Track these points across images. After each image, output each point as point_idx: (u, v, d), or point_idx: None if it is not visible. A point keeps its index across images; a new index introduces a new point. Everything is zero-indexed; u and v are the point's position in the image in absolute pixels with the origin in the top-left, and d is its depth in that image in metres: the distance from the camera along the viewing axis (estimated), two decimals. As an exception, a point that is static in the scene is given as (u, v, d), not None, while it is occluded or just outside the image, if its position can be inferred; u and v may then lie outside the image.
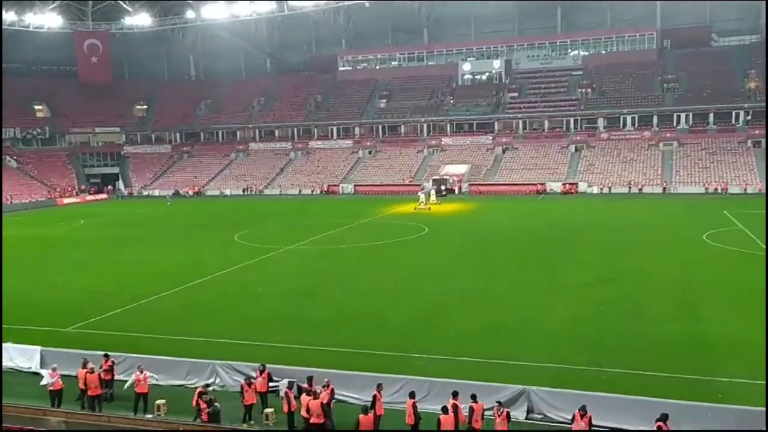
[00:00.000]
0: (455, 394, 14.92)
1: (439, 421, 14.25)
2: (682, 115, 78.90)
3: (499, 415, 14.26)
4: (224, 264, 35.04)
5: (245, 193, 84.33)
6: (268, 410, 16.18)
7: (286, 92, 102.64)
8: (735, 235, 40.79)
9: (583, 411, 14.07)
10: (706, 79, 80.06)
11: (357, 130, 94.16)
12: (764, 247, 35.55)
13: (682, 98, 79.86)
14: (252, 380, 16.45)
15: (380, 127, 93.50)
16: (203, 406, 15.29)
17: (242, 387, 16.17)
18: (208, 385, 17.50)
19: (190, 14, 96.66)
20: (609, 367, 18.73)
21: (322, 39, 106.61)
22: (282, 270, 34.28)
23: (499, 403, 14.65)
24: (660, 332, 21.98)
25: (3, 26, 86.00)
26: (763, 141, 72.37)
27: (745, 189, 65.88)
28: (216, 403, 15.42)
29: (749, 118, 76.06)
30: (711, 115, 77.67)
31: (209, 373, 18.40)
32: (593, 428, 14.22)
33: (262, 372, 16.86)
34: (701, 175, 70.11)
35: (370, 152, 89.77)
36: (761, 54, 78.71)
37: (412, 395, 15.16)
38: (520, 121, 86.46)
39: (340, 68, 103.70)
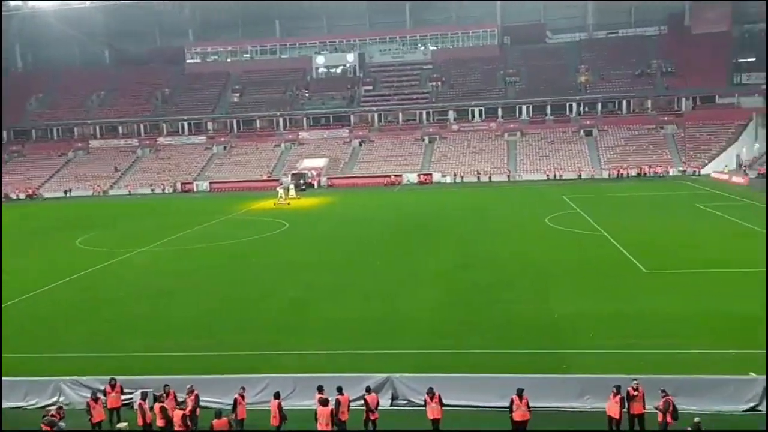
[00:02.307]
0: (320, 389, 14.75)
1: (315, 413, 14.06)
2: (524, 107, 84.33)
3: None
4: (64, 272, 32.22)
5: (93, 194, 78.40)
6: (121, 425, 15.05)
7: (129, 85, 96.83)
8: (573, 217, 44.17)
9: (431, 393, 14.45)
10: (543, 74, 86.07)
11: (210, 125, 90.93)
12: (598, 228, 38.89)
13: (522, 91, 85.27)
14: (99, 395, 15.18)
15: (234, 121, 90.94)
16: (45, 428, 13.87)
17: (88, 404, 14.84)
18: (58, 406, 15.89)
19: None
20: (469, 348, 19.48)
21: (166, 29, 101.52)
22: (133, 274, 32.17)
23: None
24: (514, 312, 23.24)
25: None
26: (594, 130, 79.11)
27: (580, 175, 71.67)
28: (61, 423, 14.04)
29: (582, 109, 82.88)
30: (548, 107, 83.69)
31: (52, 391, 16.78)
32: (444, 407, 14.64)
33: (113, 386, 15.61)
34: (542, 163, 75.32)
35: (224, 148, 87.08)
36: (590, 50, 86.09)
37: (276, 395, 14.77)
38: (376, 114, 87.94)
39: (188, 61, 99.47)
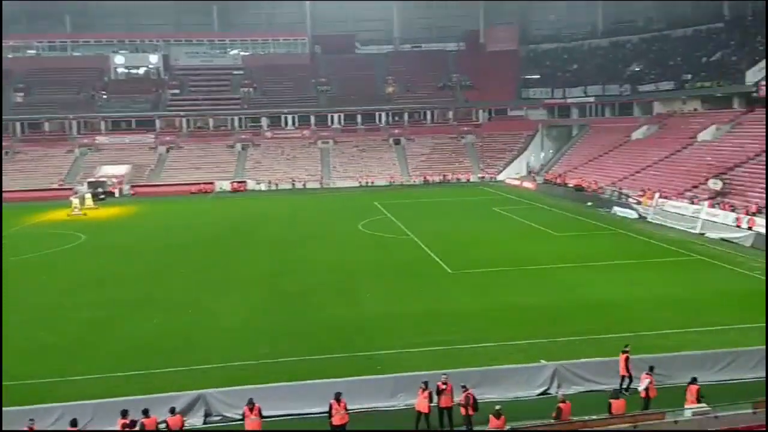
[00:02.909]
0: (124, 413, 13.58)
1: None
2: (335, 116, 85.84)
3: None
4: None
5: None
6: None
7: None
8: (385, 223, 45.73)
9: (251, 405, 14.06)
10: (354, 83, 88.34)
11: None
12: (408, 232, 40.67)
13: (334, 100, 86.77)
14: None
15: (18, 124, 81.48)
16: None
17: None
18: None
19: None
20: (285, 356, 19.18)
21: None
22: None
23: None
24: (328, 317, 23.40)
25: None
26: (402, 139, 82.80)
27: (390, 181, 74.56)
28: None
29: (390, 118, 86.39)
30: (359, 116, 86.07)
31: None
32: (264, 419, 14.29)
33: None
34: (354, 170, 77.19)
35: (6, 153, 77.63)
36: (397, 62, 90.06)
37: (73, 423, 13.34)
38: (184, 120, 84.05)
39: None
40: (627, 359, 16.48)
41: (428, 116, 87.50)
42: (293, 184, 73.39)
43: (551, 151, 78.90)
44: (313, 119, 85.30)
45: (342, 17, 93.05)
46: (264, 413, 14.30)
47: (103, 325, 23.12)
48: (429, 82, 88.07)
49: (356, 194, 66.03)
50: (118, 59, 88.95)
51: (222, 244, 38.78)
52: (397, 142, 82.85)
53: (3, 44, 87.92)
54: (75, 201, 55.58)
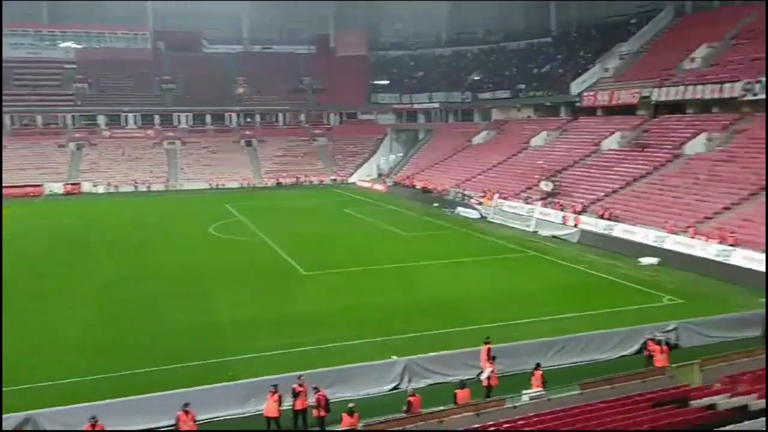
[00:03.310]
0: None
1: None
2: (182, 116, 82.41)
3: None
4: None
5: None
6: None
7: None
8: (237, 225, 44.72)
9: (93, 422, 13.24)
10: (202, 83, 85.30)
11: None
12: (261, 234, 40.10)
13: (181, 99, 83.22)
14: None
15: None
16: None
17: None
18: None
19: None
20: (131, 368, 18.15)
21: None
22: None
23: None
24: (177, 324, 22.47)
25: None
26: (254, 141, 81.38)
27: (242, 183, 72.98)
28: None
29: (241, 120, 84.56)
30: (208, 117, 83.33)
31: None
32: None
33: None
34: (204, 172, 74.61)
35: None
36: (247, 62, 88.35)
37: None
38: (8, 117, 76.39)
39: None
40: (489, 350, 17.56)
41: (280, 118, 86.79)
42: (136, 186, 69.44)
43: (400, 154, 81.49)
44: (157, 119, 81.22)
45: (187, 13, 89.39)
46: (107, 430, 13.49)
47: None
48: (280, 84, 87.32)
49: (206, 197, 63.89)
50: (-75, 47, 78.84)
51: (58, 251, 35.83)
52: (248, 144, 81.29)
53: None
54: None
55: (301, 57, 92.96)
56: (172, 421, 14.00)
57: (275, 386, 14.89)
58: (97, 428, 13.18)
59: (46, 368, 18.38)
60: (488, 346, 17.57)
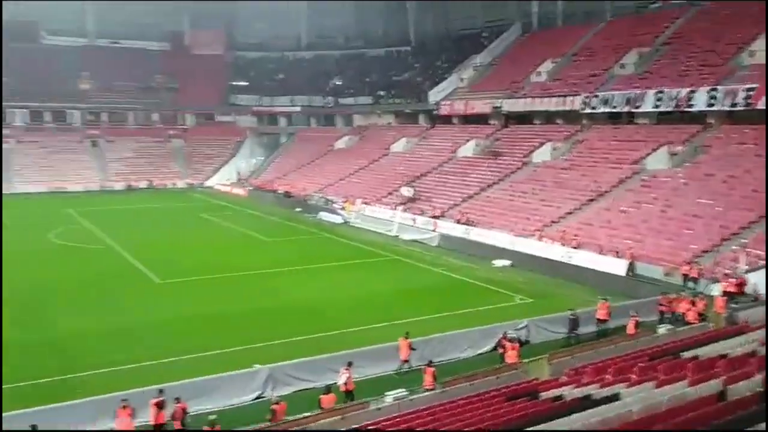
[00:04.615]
0: None
1: None
2: (17, 112, 75.26)
3: None
4: None
5: None
6: None
7: None
8: (81, 232, 41.54)
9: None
10: (40, 76, 78.44)
11: None
12: (109, 241, 37.51)
13: (14, 94, 75.88)
14: None
15: None
16: None
17: None
18: None
19: None
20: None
21: None
22: None
23: None
24: (15, 339, 20.35)
25: None
26: (101, 141, 76.12)
27: (87, 187, 67.92)
28: None
29: (86, 118, 78.71)
30: (48, 114, 76.78)
31: None
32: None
33: None
34: (43, 174, 68.59)
35: None
36: (93, 56, 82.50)
37: None
38: None
39: None
40: (410, 345, 17.91)
41: (130, 117, 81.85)
42: (-40, 190, 62.28)
43: (261, 158, 79.98)
44: (-12, 115, 73.53)
45: (23, 2, 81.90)
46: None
47: None
48: (130, 81, 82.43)
49: (45, 200, 58.70)
50: None
51: None
52: (94, 144, 75.83)
53: None
54: None
55: (154, 54, 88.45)
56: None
57: (126, 400, 13.98)
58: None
59: None
60: (408, 340, 18.22)
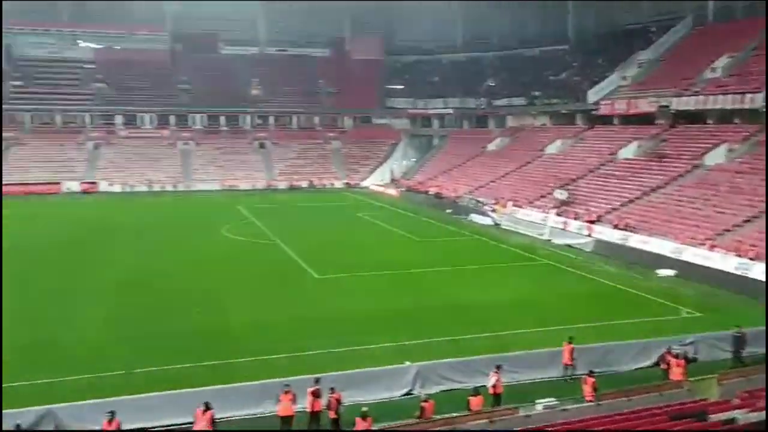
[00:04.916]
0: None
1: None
2: (197, 117, 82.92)
3: None
4: None
5: None
6: None
7: None
8: (249, 227, 44.82)
9: (111, 416, 13.36)
10: (217, 84, 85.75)
11: None
12: (273, 237, 40.17)
13: (196, 100, 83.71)
14: None
15: None
16: None
17: None
18: None
19: None
20: (143, 366, 18.19)
21: None
22: None
23: None
24: (190, 324, 22.52)
25: None
26: (267, 143, 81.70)
27: (254, 185, 73.20)
28: None
29: (255, 122, 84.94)
30: (223, 118, 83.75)
31: None
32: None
33: None
34: (217, 173, 74.94)
35: None
36: (262, 65, 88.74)
37: None
38: (28, 114, 77.26)
39: None
40: (572, 350, 17.69)
41: (294, 121, 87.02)
42: (150, 186, 69.84)
43: (413, 159, 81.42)
44: (173, 119, 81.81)
45: (204, 15, 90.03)
46: (125, 427, 13.70)
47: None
48: (295, 87, 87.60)
49: (219, 198, 64.13)
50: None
51: (78, 249, 36.03)
52: (262, 146, 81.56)
53: None
54: None
55: (317, 60, 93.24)
56: (191, 419, 14.07)
57: (288, 386, 14.92)
58: (113, 424, 13.25)
59: (54, 365, 18.47)
60: (571, 345, 17.94)
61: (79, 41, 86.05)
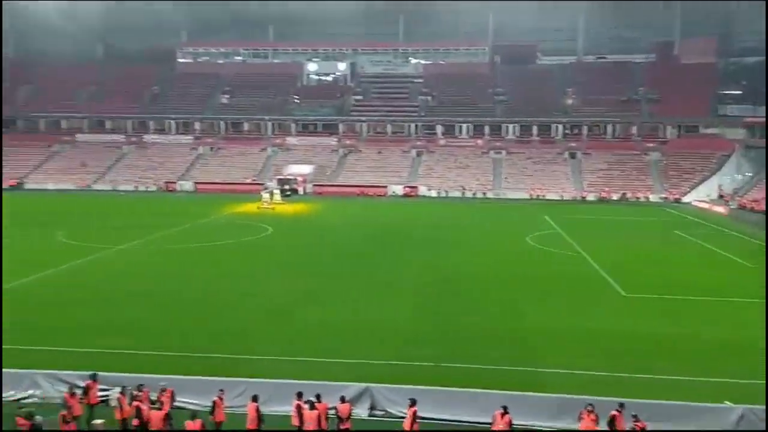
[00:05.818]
0: (299, 395, 14.78)
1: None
2: (510, 126, 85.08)
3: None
4: (44, 265, 31.88)
5: (76, 188, 77.39)
6: (97, 421, 14.93)
7: (120, 81, 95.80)
8: (553, 237, 44.53)
9: (412, 402, 14.57)
10: (531, 94, 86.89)
11: (197, 125, 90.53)
12: (579, 249, 39.30)
13: (510, 110, 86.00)
14: (76, 390, 15.07)
15: (222, 123, 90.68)
16: (22, 422, 13.75)
17: (65, 398, 14.73)
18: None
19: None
20: (446, 361, 19.57)
21: (160, 28, 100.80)
22: (112, 272, 31.91)
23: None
24: (489, 327, 23.44)
25: None
26: (578, 153, 80.00)
27: (562, 196, 72.34)
28: (38, 417, 13.93)
29: (567, 131, 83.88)
30: (534, 128, 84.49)
31: (28, 384, 16.64)
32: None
33: (94, 382, 15.56)
34: (526, 182, 75.93)
35: (211, 149, 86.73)
36: (579, 74, 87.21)
37: (255, 398, 14.78)
38: (364, 125, 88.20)
39: (180, 60, 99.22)
40: None
41: (608, 130, 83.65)
42: (463, 193, 73.91)
43: (748, 174, 71.64)
44: (487, 129, 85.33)
45: (525, 27, 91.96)
46: (422, 414, 14.77)
47: (283, 312, 25.15)
48: (611, 95, 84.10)
49: (526, 206, 64.91)
50: (311, 66, 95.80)
51: (392, 246, 40.20)
52: (572, 156, 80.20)
53: (216, 50, 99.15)
54: (265, 195, 60.81)
55: (638, 66, 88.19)
56: (484, 420, 14.80)
57: (591, 405, 14.46)
58: (412, 407, 14.48)
59: (373, 347, 20.87)
60: None
61: (410, 58, 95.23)
